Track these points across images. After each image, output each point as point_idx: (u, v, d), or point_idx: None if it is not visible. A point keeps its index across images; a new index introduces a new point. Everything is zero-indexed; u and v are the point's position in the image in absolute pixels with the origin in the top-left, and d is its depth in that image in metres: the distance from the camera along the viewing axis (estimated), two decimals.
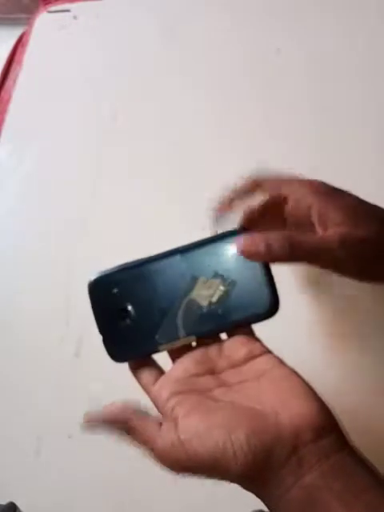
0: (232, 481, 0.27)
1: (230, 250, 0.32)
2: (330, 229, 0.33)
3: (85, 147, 0.60)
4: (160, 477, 0.43)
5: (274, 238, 0.31)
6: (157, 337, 0.33)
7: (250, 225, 0.34)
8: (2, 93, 0.67)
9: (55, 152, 0.61)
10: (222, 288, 0.32)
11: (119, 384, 0.47)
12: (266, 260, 0.31)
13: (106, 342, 0.34)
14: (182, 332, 0.32)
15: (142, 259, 0.34)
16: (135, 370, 0.34)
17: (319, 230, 0.34)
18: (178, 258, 0.33)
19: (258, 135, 0.55)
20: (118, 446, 0.45)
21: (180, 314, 0.32)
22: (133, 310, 0.33)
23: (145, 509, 0.43)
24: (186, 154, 0.56)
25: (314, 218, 0.34)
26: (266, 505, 0.27)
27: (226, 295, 0.32)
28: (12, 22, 1.37)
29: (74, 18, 0.70)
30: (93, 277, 0.34)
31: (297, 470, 0.25)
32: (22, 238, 0.57)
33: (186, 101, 0.60)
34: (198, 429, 0.27)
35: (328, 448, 0.26)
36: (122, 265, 0.34)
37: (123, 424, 0.31)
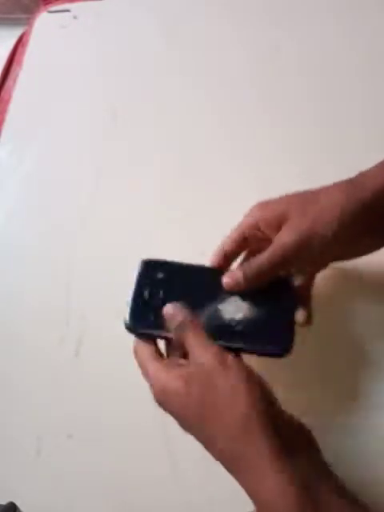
0: None
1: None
2: (281, 230, 0.36)
3: (85, 147, 0.60)
4: (160, 477, 0.43)
5: (244, 272, 0.36)
6: None
7: (224, 262, 0.39)
8: (2, 93, 0.67)
9: (55, 152, 0.61)
10: (247, 312, 0.36)
11: (119, 384, 0.47)
12: (247, 287, 0.36)
13: (132, 311, 0.37)
14: None
15: (192, 264, 0.39)
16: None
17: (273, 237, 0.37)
18: (218, 274, 0.37)
19: (259, 135, 0.55)
20: (117, 446, 0.46)
21: (201, 316, 0.36)
22: (164, 297, 0.37)
23: (145, 509, 0.43)
24: (186, 154, 0.56)
25: (266, 231, 0.37)
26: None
27: (248, 319, 0.36)
28: (12, 22, 1.36)
29: (74, 17, 0.70)
30: (148, 258, 0.39)
31: None
32: (21, 238, 0.57)
33: (186, 101, 0.60)
34: None
35: None
36: (175, 261, 0.39)
37: None
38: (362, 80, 0.56)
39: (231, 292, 0.37)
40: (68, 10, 0.71)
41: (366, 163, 0.38)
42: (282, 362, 0.36)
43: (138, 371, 0.47)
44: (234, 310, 0.36)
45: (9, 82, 0.68)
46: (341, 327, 0.45)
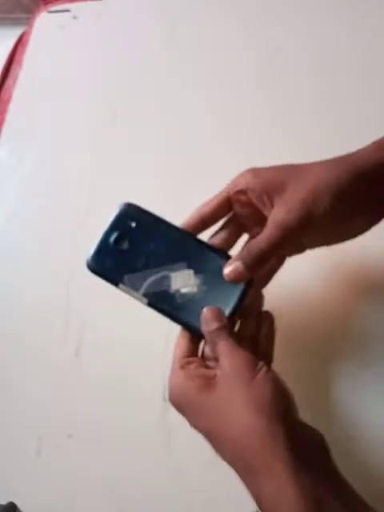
0: None
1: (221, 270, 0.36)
2: (275, 206, 0.34)
3: (85, 147, 0.60)
4: (160, 477, 0.43)
5: (243, 260, 0.34)
6: (125, 277, 0.37)
7: (200, 225, 0.37)
8: (2, 93, 0.67)
9: (55, 152, 0.61)
10: (194, 289, 0.36)
11: (119, 384, 0.47)
12: (248, 277, 0.35)
13: (95, 250, 0.38)
14: (141, 290, 0.37)
15: (171, 223, 0.38)
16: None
17: (267, 212, 0.35)
18: (189, 241, 0.37)
19: (259, 135, 0.55)
20: (118, 447, 0.46)
21: (152, 277, 0.37)
22: (128, 246, 0.38)
23: (145, 509, 0.43)
24: (187, 154, 0.56)
25: (254, 199, 0.35)
26: None
27: (191, 296, 0.36)
28: (12, 22, 1.37)
29: (74, 18, 0.70)
30: (130, 202, 0.39)
31: None
32: (22, 238, 0.57)
33: (187, 101, 0.60)
34: None
35: None
36: (153, 213, 0.39)
37: None
38: (363, 80, 0.56)
39: (189, 261, 0.36)
40: (68, 10, 0.71)
41: None
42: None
43: (137, 371, 0.47)
44: (183, 283, 0.36)
45: (9, 82, 0.68)
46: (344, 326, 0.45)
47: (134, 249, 0.38)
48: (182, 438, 0.44)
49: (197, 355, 0.36)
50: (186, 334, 0.36)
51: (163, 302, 0.36)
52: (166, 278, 0.37)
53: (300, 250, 0.38)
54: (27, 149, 0.62)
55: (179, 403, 0.34)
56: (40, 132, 0.63)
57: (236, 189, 0.36)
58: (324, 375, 0.43)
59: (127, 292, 0.37)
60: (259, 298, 0.38)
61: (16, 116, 0.65)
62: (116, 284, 0.37)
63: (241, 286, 0.36)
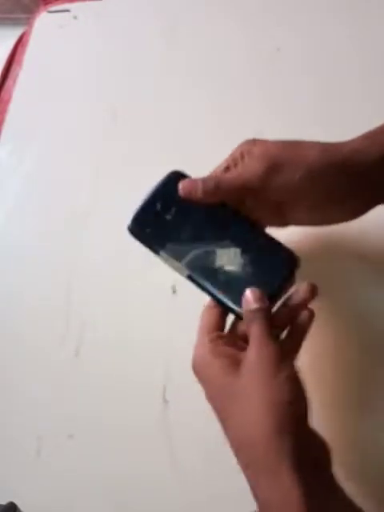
0: None
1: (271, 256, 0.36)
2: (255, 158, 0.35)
3: (85, 147, 0.60)
4: (160, 477, 0.43)
5: (204, 180, 0.36)
6: (167, 245, 0.37)
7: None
8: (2, 93, 0.67)
9: (55, 152, 0.61)
10: (238, 268, 0.36)
11: (119, 384, 0.47)
12: (200, 199, 0.36)
13: (136, 215, 0.38)
14: (183, 262, 0.36)
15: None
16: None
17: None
18: (237, 219, 0.37)
19: (259, 135, 0.55)
20: (118, 447, 0.46)
21: (196, 250, 0.36)
22: (174, 215, 0.38)
23: (145, 509, 0.43)
24: (187, 154, 0.56)
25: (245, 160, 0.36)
26: None
27: (234, 274, 0.36)
28: (12, 22, 1.37)
29: (74, 18, 0.70)
30: (178, 170, 0.39)
31: None
32: (22, 238, 0.57)
33: (187, 100, 0.60)
34: None
35: None
36: None
37: None
38: (363, 80, 0.56)
39: (235, 240, 0.36)
40: (68, 10, 0.71)
41: None
42: None
43: (137, 372, 0.47)
44: (228, 260, 0.36)
45: (9, 82, 0.68)
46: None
47: (179, 219, 0.37)
48: (182, 437, 0.44)
49: (223, 329, 0.36)
50: (217, 308, 0.36)
51: (204, 277, 0.36)
52: (212, 253, 0.36)
53: (281, 222, 0.38)
54: (27, 149, 0.62)
55: (200, 376, 0.34)
56: (40, 132, 0.63)
57: (233, 156, 0.37)
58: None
59: (167, 261, 0.37)
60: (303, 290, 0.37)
61: (16, 116, 0.65)
62: (157, 251, 0.37)
63: (285, 272, 0.35)
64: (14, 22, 1.34)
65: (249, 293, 0.34)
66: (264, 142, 0.36)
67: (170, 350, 0.47)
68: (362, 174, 0.34)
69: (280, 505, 0.28)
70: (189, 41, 0.64)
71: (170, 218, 0.38)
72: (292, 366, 0.32)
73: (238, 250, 0.36)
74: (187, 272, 0.36)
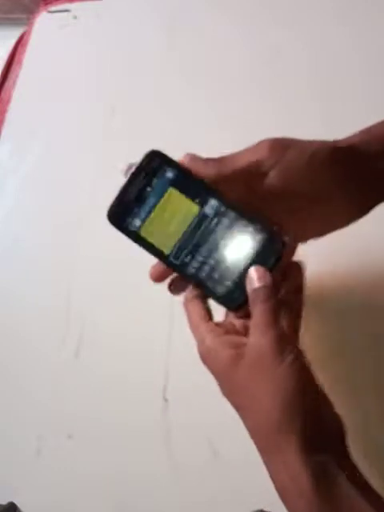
0: None
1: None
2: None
3: (85, 147, 0.60)
4: (160, 477, 0.43)
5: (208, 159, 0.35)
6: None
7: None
8: (2, 93, 0.67)
9: (55, 151, 0.61)
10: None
11: (119, 384, 0.47)
12: (202, 175, 0.34)
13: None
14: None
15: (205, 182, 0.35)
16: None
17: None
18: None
19: (259, 135, 0.55)
20: (118, 446, 0.46)
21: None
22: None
23: (145, 509, 0.43)
24: None
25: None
26: None
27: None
28: (12, 22, 1.37)
29: (74, 18, 0.70)
30: (159, 150, 0.36)
31: None
32: (22, 238, 0.57)
33: (186, 100, 0.60)
34: None
35: None
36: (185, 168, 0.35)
37: None
38: (363, 80, 0.56)
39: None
40: (68, 10, 0.71)
41: None
42: None
43: (137, 371, 0.47)
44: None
45: (9, 82, 0.68)
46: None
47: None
48: (182, 437, 0.44)
49: (211, 317, 0.35)
50: (198, 297, 0.36)
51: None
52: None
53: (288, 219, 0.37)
54: (27, 149, 0.62)
55: (211, 369, 0.34)
56: (40, 132, 0.63)
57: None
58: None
59: (138, 245, 0.36)
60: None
61: (16, 116, 0.65)
62: (135, 239, 0.36)
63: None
64: (14, 22, 1.34)
65: (253, 271, 0.33)
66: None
67: (169, 349, 0.47)
68: (364, 166, 0.34)
69: (293, 490, 0.29)
70: (189, 41, 0.64)
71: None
72: (294, 350, 0.31)
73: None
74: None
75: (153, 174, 0.36)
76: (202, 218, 0.35)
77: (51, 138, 0.62)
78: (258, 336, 0.32)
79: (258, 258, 0.34)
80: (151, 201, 0.36)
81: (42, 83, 0.67)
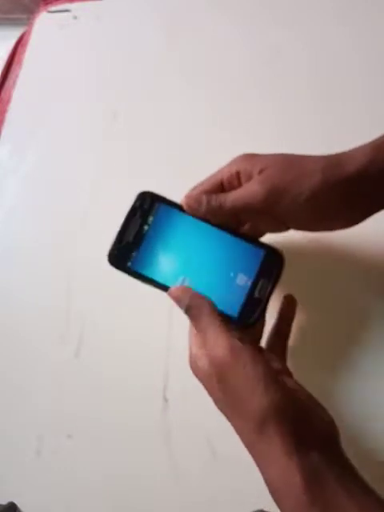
0: None
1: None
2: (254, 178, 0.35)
3: (85, 147, 0.60)
4: (160, 477, 0.43)
5: (209, 198, 0.36)
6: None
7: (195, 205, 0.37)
8: (2, 93, 0.67)
9: (55, 152, 0.61)
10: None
11: (119, 384, 0.47)
12: (202, 215, 0.36)
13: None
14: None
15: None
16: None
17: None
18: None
19: (259, 135, 0.55)
20: (117, 446, 0.46)
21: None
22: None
23: (144, 509, 0.43)
24: (187, 154, 0.56)
25: (242, 180, 0.36)
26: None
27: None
28: (12, 22, 1.37)
29: (74, 18, 0.70)
30: (149, 190, 0.39)
31: None
32: (22, 238, 0.57)
33: (187, 101, 0.60)
34: None
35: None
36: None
37: None
38: (363, 80, 0.56)
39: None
40: (68, 10, 0.71)
41: None
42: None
43: (137, 371, 0.47)
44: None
45: (9, 82, 0.68)
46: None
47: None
48: (181, 437, 0.44)
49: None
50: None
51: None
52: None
53: (282, 228, 0.38)
54: (27, 149, 0.62)
55: (197, 378, 0.35)
56: (40, 132, 0.63)
57: (228, 174, 0.36)
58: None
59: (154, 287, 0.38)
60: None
61: (16, 116, 0.65)
62: (141, 279, 0.38)
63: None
64: (14, 22, 1.34)
65: (173, 291, 0.36)
66: (261, 161, 0.35)
67: (169, 349, 0.47)
68: (366, 192, 0.34)
69: (282, 487, 0.29)
70: (189, 41, 0.64)
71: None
72: (253, 352, 0.32)
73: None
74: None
75: (148, 213, 0.38)
76: (198, 245, 0.37)
77: (51, 138, 0.62)
78: (211, 348, 0.32)
79: (263, 273, 0.36)
80: (149, 238, 0.38)
81: (42, 83, 0.67)
